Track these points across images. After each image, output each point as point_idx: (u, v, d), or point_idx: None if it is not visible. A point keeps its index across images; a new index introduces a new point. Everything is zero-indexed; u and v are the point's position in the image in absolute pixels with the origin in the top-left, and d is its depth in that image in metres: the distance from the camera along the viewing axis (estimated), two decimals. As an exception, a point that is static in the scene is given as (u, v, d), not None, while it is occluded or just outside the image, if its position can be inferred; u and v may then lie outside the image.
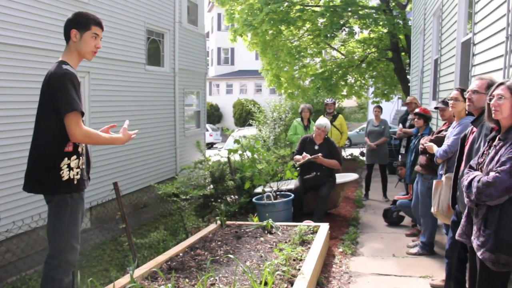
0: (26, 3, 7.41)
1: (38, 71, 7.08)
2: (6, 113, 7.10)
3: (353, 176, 8.44)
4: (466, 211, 3.21)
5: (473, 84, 3.70)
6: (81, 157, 3.23)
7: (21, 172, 7.04)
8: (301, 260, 4.69)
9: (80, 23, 3.23)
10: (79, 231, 3.23)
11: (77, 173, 3.19)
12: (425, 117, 6.45)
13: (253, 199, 7.23)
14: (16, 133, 7.17)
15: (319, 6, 16.18)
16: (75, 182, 3.17)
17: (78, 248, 3.23)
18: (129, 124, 3.60)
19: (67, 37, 3.25)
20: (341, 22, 15.13)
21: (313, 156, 7.07)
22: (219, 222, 6.22)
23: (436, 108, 5.45)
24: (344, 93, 18.29)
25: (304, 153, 7.19)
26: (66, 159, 3.12)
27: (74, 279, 3.42)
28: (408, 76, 15.47)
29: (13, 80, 7.20)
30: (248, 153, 8.02)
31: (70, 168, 3.14)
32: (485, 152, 3.10)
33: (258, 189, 7.65)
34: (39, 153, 3.14)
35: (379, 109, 9.47)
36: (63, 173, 3.11)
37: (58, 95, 3.03)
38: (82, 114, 3.09)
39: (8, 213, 6.99)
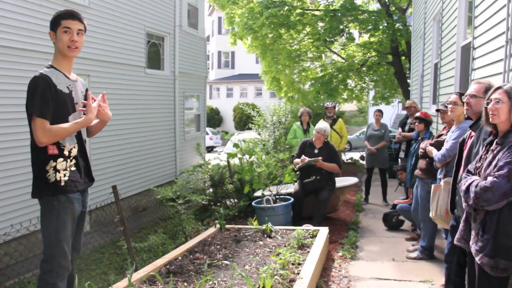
0: (27, 6, 7.43)
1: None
2: (3, 117, 7.08)
3: (353, 180, 8.43)
4: (464, 215, 3.20)
5: (471, 88, 3.69)
6: (68, 159, 3.22)
7: (18, 176, 7.11)
8: (300, 264, 4.67)
9: (52, 23, 3.19)
10: (69, 235, 3.20)
11: (64, 175, 3.17)
12: (426, 121, 6.44)
13: (253, 203, 7.21)
14: (12, 136, 7.16)
15: (319, 10, 16.20)
16: (62, 183, 3.15)
17: (69, 252, 3.20)
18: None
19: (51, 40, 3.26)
20: (341, 27, 15.14)
21: (312, 159, 7.06)
22: (218, 225, 6.21)
23: (437, 110, 5.45)
24: (344, 97, 18.28)
25: (303, 156, 7.17)
26: (51, 161, 3.12)
27: (73, 284, 3.40)
28: (408, 80, 15.48)
29: (10, 83, 7.19)
30: (248, 157, 8.02)
31: (56, 170, 3.13)
32: (482, 157, 3.08)
33: (258, 193, 7.64)
34: (31, 157, 3.18)
35: (380, 113, 9.44)
36: (49, 175, 3.11)
37: (26, 101, 3.05)
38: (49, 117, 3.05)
39: (7, 216, 6.99)
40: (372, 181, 9.41)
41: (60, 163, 3.15)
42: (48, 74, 3.11)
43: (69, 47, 3.19)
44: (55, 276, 3.11)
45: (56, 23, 3.18)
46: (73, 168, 3.25)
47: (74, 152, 3.27)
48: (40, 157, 3.11)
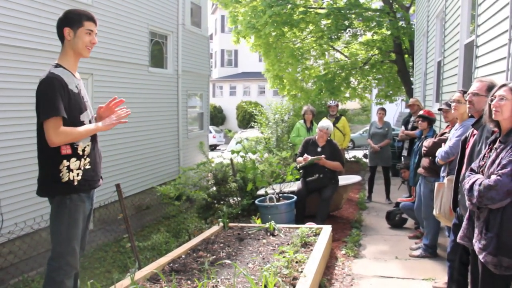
0: (29, 5, 7.45)
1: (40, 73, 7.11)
2: (8, 115, 7.11)
3: (356, 178, 8.43)
4: (467, 214, 3.20)
5: (474, 86, 3.69)
6: (82, 159, 3.21)
7: (23, 174, 7.13)
8: (303, 262, 4.67)
9: (72, 21, 3.20)
10: (80, 233, 3.21)
11: (78, 174, 3.17)
12: (429, 119, 6.43)
13: (256, 201, 7.22)
14: (18, 135, 7.19)
15: (322, 8, 16.19)
16: (75, 183, 3.15)
17: (78, 250, 3.22)
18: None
19: (61, 37, 3.24)
20: (347, 23, 15.13)
21: (315, 158, 7.06)
22: (221, 224, 6.22)
23: (440, 109, 5.44)
24: (347, 95, 18.27)
25: (306, 155, 7.17)
26: (65, 161, 3.11)
27: (77, 283, 3.41)
28: (411, 78, 15.46)
29: (14, 82, 7.21)
30: (251, 155, 8.01)
31: (69, 170, 3.12)
32: (486, 155, 3.08)
33: (261, 191, 7.65)
34: (40, 157, 3.17)
35: (383, 111, 9.45)
36: (62, 175, 3.10)
37: (39, 101, 3.05)
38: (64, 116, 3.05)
39: (11, 214, 7.01)
40: (375, 179, 9.41)
41: (74, 163, 3.14)
42: (59, 74, 3.11)
43: (87, 47, 3.27)
44: (63, 274, 3.11)
45: (77, 22, 3.20)
46: (87, 167, 3.25)
47: (88, 150, 3.26)
48: (52, 156, 3.09)
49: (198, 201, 7.71)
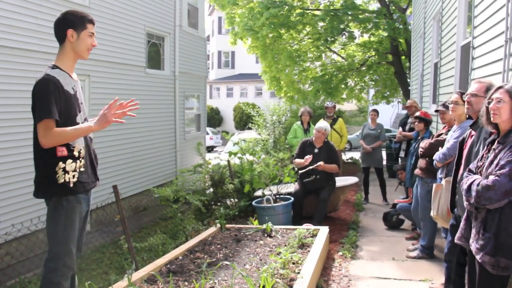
0: (25, 6, 7.43)
1: (36, 74, 7.09)
2: (4, 116, 7.08)
3: (353, 179, 8.44)
4: (465, 214, 3.21)
5: (472, 87, 3.70)
6: (78, 161, 3.21)
7: (20, 175, 7.11)
8: (300, 263, 4.68)
9: (76, 23, 3.21)
10: (76, 234, 3.21)
11: (73, 176, 3.17)
12: (426, 120, 6.45)
13: (253, 203, 7.21)
14: (14, 136, 7.16)
15: (319, 10, 16.21)
16: (71, 185, 3.15)
17: (75, 251, 3.21)
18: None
19: (62, 38, 3.23)
20: (342, 26, 15.14)
21: (314, 165, 7.02)
22: (218, 225, 6.22)
23: (436, 111, 5.46)
24: (344, 96, 18.30)
25: (308, 156, 7.09)
26: (60, 163, 3.11)
27: (74, 284, 3.40)
28: (408, 80, 15.49)
29: (11, 83, 7.19)
30: (248, 157, 8.01)
31: (65, 172, 3.12)
32: (484, 156, 3.09)
33: (258, 192, 7.64)
34: (36, 158, 3.17)
35: (375, 113, 9.50)
36: (58, 176, 3.10)
37: (34, 103, 3.06)
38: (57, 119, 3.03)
39: (8, 216, 6.99)
40: (371, 181, 9.42)
41: (69, 165, 3.14)
42: (55, 75, 3.11)
43: (89, 50, 3.31)
44: (60, 275, 3.11)
45: (81, 24, 3.22)
46: (82, 169, 3.25)
47: (83, 152, 3.27)
48: (48, 158, 3.09)
49: (195, 204, 7.71)
